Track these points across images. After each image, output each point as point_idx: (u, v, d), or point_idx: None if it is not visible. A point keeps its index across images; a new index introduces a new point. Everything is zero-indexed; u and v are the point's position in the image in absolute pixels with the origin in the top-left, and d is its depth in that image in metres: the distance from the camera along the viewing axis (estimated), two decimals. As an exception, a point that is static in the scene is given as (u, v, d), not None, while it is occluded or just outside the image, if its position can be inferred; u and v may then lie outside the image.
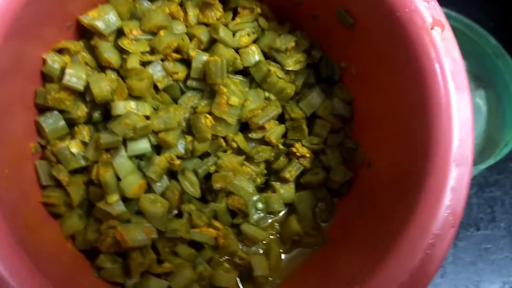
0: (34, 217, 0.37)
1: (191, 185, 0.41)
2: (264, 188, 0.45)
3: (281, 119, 0.44)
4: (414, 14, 0.34)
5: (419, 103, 0.35)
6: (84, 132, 0.40)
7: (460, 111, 0.33)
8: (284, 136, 0.45)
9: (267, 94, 0.43)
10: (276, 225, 0.45)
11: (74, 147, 0.39)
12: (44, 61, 0.38)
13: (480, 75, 0.61)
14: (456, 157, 0.32)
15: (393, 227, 0.35)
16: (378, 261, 0.34)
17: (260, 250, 0.44)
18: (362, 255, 0.38)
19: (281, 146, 0.44)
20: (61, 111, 0.39)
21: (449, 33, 0.34)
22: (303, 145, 0.44)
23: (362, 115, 0.45)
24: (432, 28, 0.34)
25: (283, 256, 0.44)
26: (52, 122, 0.39)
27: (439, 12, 0.34)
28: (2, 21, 0.32)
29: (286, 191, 0.44)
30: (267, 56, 0.43)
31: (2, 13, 0.32)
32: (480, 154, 0.54)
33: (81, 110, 0.40)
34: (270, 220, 0.44)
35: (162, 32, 0.40)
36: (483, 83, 0.60)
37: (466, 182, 0.32)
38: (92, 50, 0.41)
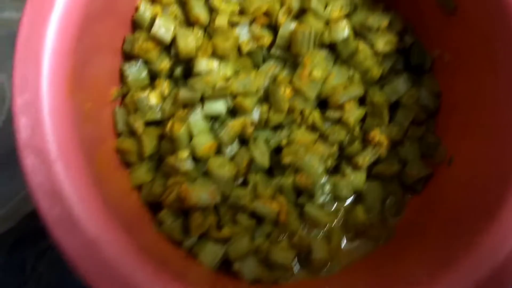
0: (106, 162, 0.38)
1: (261, 154, 0.40)
2: (333, 171, 0.43)
3: (361, 102, 0.42)
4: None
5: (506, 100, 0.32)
6: (165, 85, 0.40)
7: None
8: (362, 120, 0.43)
9: (351, 72, 0.41)
10: (342, 211, 0.43)
11: (153, 98, 0.40)
12: (137, 8, 0.39)
13: None
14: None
15: (469, 231, 0.32)
16: (450, 261, 0.31)
17: (322, 234, 0.42)
18: (431, 256, 0.35)
19: (358, 130, 0.42)
20: (146, 62, 0.40)
21: None
22: (381, 133, 0.42)
23: (449, 109, 0.42)
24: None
25: (344, 244, 0.42)
26: (136, 71, 0.40)
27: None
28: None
29: (357, 178, 0.42)
30: (357, 34, 0.42)
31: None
32: None
33: (164, 63, 0.40)
34: (335, 205, 0.43)
35: (253, -6, 0.39)
36: None
37: None
38: (183, 5, 0.41)
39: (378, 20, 0.40)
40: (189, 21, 0.40)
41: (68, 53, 0.30)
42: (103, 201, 0.31)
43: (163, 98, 0.40)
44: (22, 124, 0.28)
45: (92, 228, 0.29)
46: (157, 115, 0.40)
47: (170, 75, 0.41)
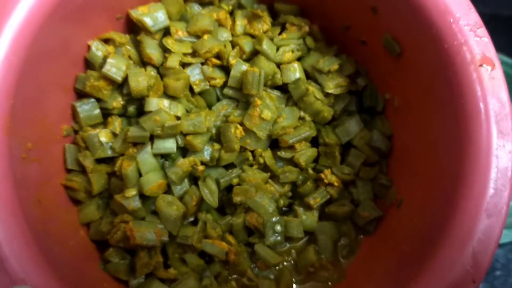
0: (52, 197, 0.38)
1: (211, 194, 0.40)
2: (286, 211, 0.43)
3: (315, 143, 0.43)
4: (463, 48, 0.32)
5: (458, 143, 0.32)
6: (116, 123, 0.40)
7: (500, 158, 0.30)
8: (316, 161, 0.43)
9: (302, 113, 0.41)
10: (293, 252, 0.42)
11: (104, 136, 0.40)
12: (89, 48, 0.39)
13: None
14: (489, 206, 0.29)
15: (412, 272, 0.33)
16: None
17: (272, 275, 0.42)
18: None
19: (310, 171, 0.42)
20: (98, 100, 0.40)
21: (498, 72, 0.32)
22: (333, 173, 0.42)
23: (400, 152, 0.42)
24: (480, 65, 0.31)
25: (294, 286, 0.42)
26: (88, 109, 0.40)
27: (490, 50, 0.32)
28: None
29: (308, 218, 0.42)
30: (309, 76, 0.42)
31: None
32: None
33: (117, 102, 0.40)
34: (287, 246, 0.42)
35: (205, 36, 0.40)
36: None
37: (496, 235, 0.29)
38: (137, 45, 0.41)
39: (328, 63, 0.41)
40: (142, 61, 0.41)
41: (7, 95, 0.30)
42: (36, 243, 0.31)
43: (114, 136, 0.40)
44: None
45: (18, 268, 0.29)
46: (108, 153, 0.40)
47: (124, 113, 0.42)
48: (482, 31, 0.33)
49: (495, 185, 0.30)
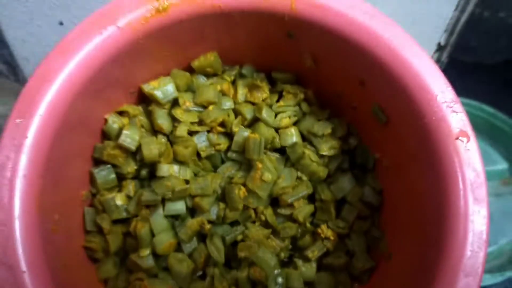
0: (74, 258, 0.41)
1: (217, 251, 0.43)
2: (286, 263, 0.47)
3: (311, 198, 0.47)
4: (442, 123, 0.36)
5: (439, 207, 0.36)
6: (131, 187, 0.44)
7: (475, 223, 0.34)
8: (313, 214, 0.47)
9: (299, 174, 0.45)
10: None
11: (119, 200, 0.44)
12: (106, 121, 0.43)
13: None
14: (466, 267, 0.33)
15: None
16: None
17: (275, 324, 0.45)
18: None
19: (308, 225, 0.46)
20: (113, 165, 0.44)
21: (473, 144, 0.36)
22: (329, 227, 0.46)
23: (390, 206, 0.46)
24: (457, 138, 0.36)
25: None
26: (105, 175, 0.44)
27: (466, 123, 0.36)
28: (80, 80, 0.37)
29: (308, 269, 0.45)
30: (305, 138, 0.46)
31: (81, 74, 0.37)
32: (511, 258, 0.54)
33: (131, 167, 0.44)
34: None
35: (211, 107, 0.44)
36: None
37: (474, 293, 0.33)
38: (149, 114, 0.45)
39: (322, 128, 0.45)
40: (153, 129, 0.45)
41: (38, 176, 0.34)
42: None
43: (129, 198, 0.44)
44: (-6, 241, 0.32)
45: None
46: (123, 214, 0.44)
47: (137, 176, 0.45)
48: (458, 106, 0.37)
49: (471, 247, 0.34)
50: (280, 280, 0.45)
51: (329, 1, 0.38)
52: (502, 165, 0.60)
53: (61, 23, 0.48)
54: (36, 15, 0.48)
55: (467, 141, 0.36)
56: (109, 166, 0.44)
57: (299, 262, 0.46)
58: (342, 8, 0.38)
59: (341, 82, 0.44)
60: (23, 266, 0.32)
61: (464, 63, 0.67)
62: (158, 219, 0.43)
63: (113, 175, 0.44)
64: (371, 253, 0.46)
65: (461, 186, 0.35)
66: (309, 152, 0.45)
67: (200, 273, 0.44)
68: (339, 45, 0.39)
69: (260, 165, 0.43)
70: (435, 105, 0.37)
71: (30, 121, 0.34)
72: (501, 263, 0.54)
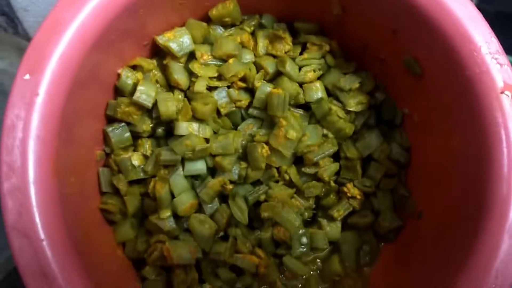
0: (91, 221, 0.39)
1: (240, 211, 0.42)
2: (310, 222, 0.45)
3: (335, 156, 0.45)
4: (485, 76, 0.33)
5: (479, 166, 0.34)
6: (147, 145, 0.42)
7: (522, 182, 0.32)
8: (337, 173, 0.45)
9: (325, 131, 0.43)
10: (318, 261, 0.45)
11: (136, 160, 0.41)
12: (119, 76, 0.40)
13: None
14: (510, 228, 0.31)
15: (440, 283, 0.35)
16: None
17: (299, 284, 0.44)
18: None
19: (332, 184, 0.44)
20: (128, 123, 0.41)
21: (520, 98, 0.33)
22: (354, 186, 0.44)
23: (418, 164, 0.44)
24: (502, 92, 0.33)
25: (321, 295, 0.44)
26: (119, 133, 0.41)
27: (511, 76, 0.33)
28: (92, 32, 0.34)
29: (332, 229, 0.44)
30: (330, 93, 0.44)
31: (93, 25, 0.34)
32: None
33: (146, 125, 0.42)
34: (312, 256, 0.45)
35: (231, 61, 0.41)
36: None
37: (519, 256, 0.31)
38: (164, 69, 0.42)
39: (349, 82, 0.42)
40: (169, 85, 0.42)
41: (53, 136, 0.32)
42: (84, 271, 0.33)
43: (146, 158, 0.42)
44: (9, 208, 0.30)
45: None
46: (140, 175, 0.42)
47: (152, 134, 0.43)
48: (503, 58, 0.34)
49: (517, 208, 0.32)
50: (304, 240, 0.43)
51: None
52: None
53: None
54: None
55: (513, 95, 0.33)
56: (123, 124, 0.41)
57: (324, 222, 0.44)
58: None
59: (370, 32, 0.41)
60: (41, 234, 0.30)
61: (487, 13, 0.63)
62: (178, 180, 0.41)
63: (128, 134, 0.42)
64: (398, 211, 0.44)
65: (504, 144, 0.33)
66: (335, 108, 0.42)
67: (222, 233, 0.43)
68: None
69: (284, 122, 0.41)
70: (478, 57, 0.34)
71: (41, 76, 0.31)
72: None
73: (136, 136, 0.42)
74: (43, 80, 0.31)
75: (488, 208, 0.33)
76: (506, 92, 0.33)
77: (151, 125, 0.42)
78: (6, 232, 0.30)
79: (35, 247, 0.30)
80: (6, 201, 0.30)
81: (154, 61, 0.42)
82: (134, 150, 0.42)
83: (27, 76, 0.31)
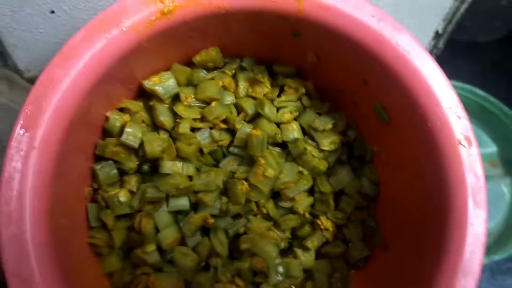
0: (80, 255, 0.42)
1: (221, 244, 0.44)
2: (286, 251, 0.48)
3: (311, 189, 0.48)
4: (445, 128, 0.37)
5: (438, 209, 0.37)
6: (133, 182, 0.44)
7: (475, 226, 0.36)
8: (311, 206, 0.48)
9: (301, 168, 0.46)
10: (293, 288, 0.48)
11: (122, 196, 0.44)
12: (107, 118, 0.43)
13: (511, 160, 0.63)
14: (465, 268, 0.35)
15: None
16: None
17: (275, 310, 0.47)
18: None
19: (307, 215, 0.47)
20: (115, 161, 0.44)
21: (475, 150, 0.37)
22: (327, 218, 0.47)
23: (387, 198, 0.47)
24: (459, 144, 0.37)
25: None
26: (106, 171, 0.43)
27: (468, 129, 0.37)
28: (84, 85, 0.36)
29: (307, 258, 0.47)
30: (306, 133, 0.47)
31: (85, 79, 0.36)
32: (497, 241, 0.56)
33: (132, 163, 0.44)
34: (288, 283, 0.48)
35: (213, 104, 0.44)
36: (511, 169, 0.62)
37: (472, 292, 0.35)
38: (149, 109, 0.45)
39: (323, 123, 0.46)
40: (155, 125, 0.45)
41: (47, 184, 0.34)
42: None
43: (132, 194, 0.44)
44: (9, 255, 0.32)
45: None
46: (127, 210, 0.44)
47: (138, 170, 0.45)
48: (460, 111, 0.38)
49: (471, 249, 0.35)
50: (280, 269, 0.46)
51: (337, 2, 0.38)
52: (491, 148, 0.62)
53: (52, 12, 0.47)
54: (26, 2, 0.46)
55: (469, 147, 0.37)
56: (110, 162, 0.44)
57: (299, 252, 0.47)
58: (350, 10, 0.37)
59: (343, 79, 0.44)
60: (38, 278, 0.33)
61: (457, 42, 0.67)
62: (163, 215, 0.43)
63: (115, 171, 0.44)
64: (368, 242, 0.48)
65: (462, 191, 0.36)
66: (310, 148, 0.45)
67: (203, 263, 0.46)
68: (345, 45, 0.39)
69: (262, 161, 0.44)
70: (439, 110, 0.37)
71: (37, 131, 0.34)
72: (488, 246, 0.57)
73: (122, 173, 0.45)
74: (38, 134, 0.34)
75: (445, 248, 0.36)
76: (463, 143, 0.37)
77: (137, 163, 0.45)
78: (6, 278, 0.32)
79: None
80: (6, 249, 0.32)
81: (141, 103, 0.45)
82: (121, 186, 0.45)
83: (23, 131, 0.33)
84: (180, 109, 0.44)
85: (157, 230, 0.44)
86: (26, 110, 0.34)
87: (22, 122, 0.34)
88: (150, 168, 0.45)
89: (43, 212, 0.34)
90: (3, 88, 0.54)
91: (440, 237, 0.37)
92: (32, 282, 0.32)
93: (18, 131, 0.33)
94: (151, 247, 0.43)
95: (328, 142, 0.46)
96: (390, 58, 0.38)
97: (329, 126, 0.46)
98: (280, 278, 0.46)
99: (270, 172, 0.44)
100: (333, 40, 0.39)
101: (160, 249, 0.44)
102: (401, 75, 0.38)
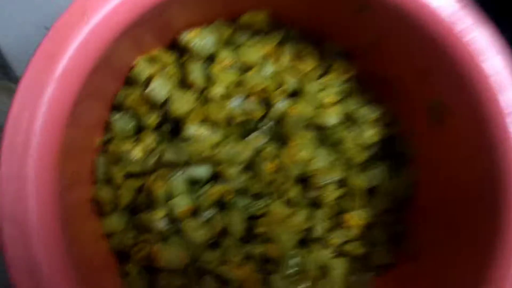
0: (81, 209, 0.38)
1: (236, 224, 0.41)
2: (304, 243, 0.44)
3: (340, 182, 0.44)
4: (508, 142, 0.33)
5: (490, 219, 0.34)
6: (150, 140, 0.40)
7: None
8: (339, 199, 0.44)
9: (335, 157, 0.42)
10: (306, 285, 0.44)
11: (137, 152, 0.40)
12: (133, 66, 0.39)
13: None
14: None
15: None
16: None
17: (282, 305, 0.43)
18: None
19: (332, 210, 0.43)
20: (134, 115, 0.40)
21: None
22: (354, 215, 0.43)
23: (422, 202, 0.43)
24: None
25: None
26: (123, 122, 0.40)
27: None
28: (118, 23, 0.32)
29: (324, 254, 0.43)
30: (346, 120, 0.43)
31: (121, 15, 0.32)
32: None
33: (153, 119, 0.40)
34: (300, 278, 0.44)
35: (252, 71, 0.40)
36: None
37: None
38: (181, 65, 0.41)
39: (368, 113, 0.42)
40: (184, 83, 0.41)
41: (60, 124, 0.30)
42: (70, 261, 0.31)
43: (147, 153, 0.40)
44: (4, 193, 0.28)
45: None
46: (138, 169, 0.40)
47: (157, 129, 0.42)
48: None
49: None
50: (294, 261, 0.42)
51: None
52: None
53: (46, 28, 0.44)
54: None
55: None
56: (128, 114, 0.40)
57: (317, 246, 0.43)
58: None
59: (400, 68, 0.40)
60: (34, 222, 0.29)
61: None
62: (178, 181, 0.40)
63: (132, 124, 0.40)
64: (395, 247, 0.44)
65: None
66: (350, 136, 0.41)
67: (213, 240, 0.42)
68: (413, 30, 0.35)
69: (295, 142, 0.40)
70: (505, 122, 0.33)
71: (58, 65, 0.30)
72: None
73: (140, 128, 0.41)
74: (58, 70, 0.30)
75: (495, 255, 0.32)
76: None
77: (157, 121, 0.41)
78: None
79: (26, 241, 0.29)
80: (3, 186, 0.29)
81: (173, 56, 0.41)
82: (136, 143, 0.41)
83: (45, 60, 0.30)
84: (215, 70, 0.40)
85: (169, 197, 0.40)
86: (50, 38, 0.30)
87: (42, 51, 0.30)
88: (171, 130, 0.41)
89: (51, 153, 0.30)
90: (4, 98, 0.51)
91: (489, 244, 0.33)
92: (27, 227, 0.29)
93: (40, 57, 0.30)
94: (161, 213, 0.39)
95: (370, 134, 0.42)
96: (459, 54, 0.34)
97: (373, 116, 0.42)
98: (292, 270, 0.42)
99: (303, 155, 0.40)
100: (402, 22, 0.35)
101: (169, 218, 0.40)
102: (469, 76, 0.34)
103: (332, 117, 0.41)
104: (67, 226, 0.34)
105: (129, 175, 0.41)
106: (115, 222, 0.41)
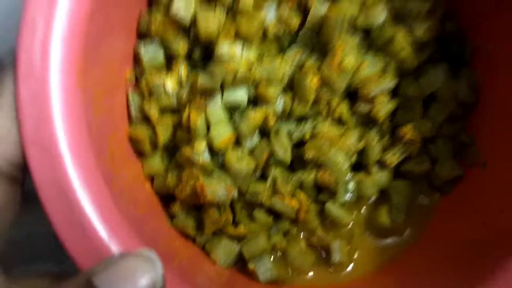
0: (119, 150, 0.35)
1: (283, 149, 0.37)
2: (358, 168, 0.40)
3: (393, 92, 0.39)
4: None
5: None
6: (182, 69, 0.37)
7: None
8: (393, 113, 0.39)
9: (386, 61, 0.37)
10: (364, 211, 0.40)
11: (170, 84, 0.37)
12: (153, -16, 0.35)
13: None
14: None
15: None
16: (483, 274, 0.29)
17: (342, 234, 0.40)
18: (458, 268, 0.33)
19: (387, 125, 0.39)
20: (162, 42, 0.36)
21: None
22: (412, 128, 0.38)
23: (486, 108, 0.39)
24: None
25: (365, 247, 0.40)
26: (152, 52, 0.36)
27: None
28: None
29: (383, 176, 0.39)
30: (394, 18, 0.37)
31: None
32: None
33: (182, 45, 0.37)
34: (358, 204, 0.40)
35: (283, -27, 0.36)
36: None
37: None
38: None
39: (419, 4, 0.36)
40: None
41: (79, 35, 0.27)
42: (113, 200, 0.28)
43: (180, 84, 0.37)
44: (27, 117, 0.25)
45: (102, 232, 0.26)
46: (173, 102, 0.37)
47: (188, 57, 0.38)
48: None
49: None
50: (351, 186, 0.39)
51: None
52: None
53: None
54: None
55: None
56: (156, 42, 0.36)
57: (374, 167, 0.39)
58: None
59: None
60: (62, 149, 0.26)
61: None
62: (216, 109, 0.36)
63: (161, 53, 0.37)
64: (459, 160, 0.39)
65: None
66: (400, 34, 0.36)
67: (259, 174, 0.38)
68: None
69: (339, 49, 0.35)
70: None
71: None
72: None
73: (170, 59, 0.37)
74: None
75: None
76: None
77: (187, 46, 0.37)
78: (23, 147, 0.25)
79: (55, 166, 0.26)
80: (23, 110, 0.25)
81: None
82: (168, 74, 0.37)
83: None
84: (241, -22, 0.36)
85: (208, 128, 0.36)
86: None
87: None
88: (203, 56, 0.38)
89: (73, 67, 0.27)
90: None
91: None
92: (55, 154, 0.25)
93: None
94: (201, 145, 0.36)
95: (422, 30, 0.37)
96: None
97: (426, 7, 0.36)
98: (349, 197, 0.38)
99: (348, 62, 0.35)
100: None
101: (211, 151, 0.36)
102: None
103: (378, 16, 0.36)
104: (111, 169, 0.31)
105: (165, 110, 0.37)
106: (156, 163, 0.38)
